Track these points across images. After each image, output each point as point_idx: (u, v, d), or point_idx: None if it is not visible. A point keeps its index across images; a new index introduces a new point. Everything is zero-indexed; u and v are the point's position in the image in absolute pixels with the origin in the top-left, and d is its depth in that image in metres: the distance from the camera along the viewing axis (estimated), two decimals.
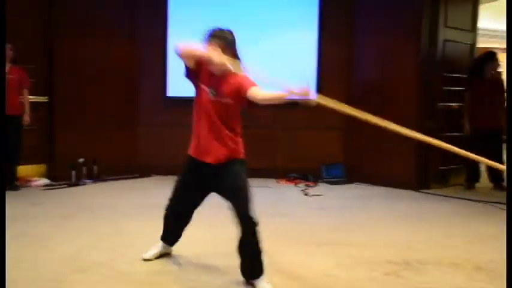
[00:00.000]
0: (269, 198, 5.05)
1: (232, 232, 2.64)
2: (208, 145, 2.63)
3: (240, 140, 2.79)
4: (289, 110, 6.24)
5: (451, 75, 5.63)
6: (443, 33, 5.51)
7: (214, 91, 2.61)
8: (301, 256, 3.16)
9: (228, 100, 2.62)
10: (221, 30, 2.69)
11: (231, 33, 2.73)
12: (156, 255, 2.97)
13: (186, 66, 2.62)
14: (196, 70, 2.60)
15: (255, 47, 6.17)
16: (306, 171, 6.06)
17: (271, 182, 5.94)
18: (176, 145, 6.18)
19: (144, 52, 6.25)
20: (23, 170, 5.35)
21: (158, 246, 3.00)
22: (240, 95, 2.59)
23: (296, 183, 5.85)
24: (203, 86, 2.62)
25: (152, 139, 6.26)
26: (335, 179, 6.01)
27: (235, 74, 2.61)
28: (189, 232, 3.01)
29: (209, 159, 2.63)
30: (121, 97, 6.15)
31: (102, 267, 2.88)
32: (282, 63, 6.18)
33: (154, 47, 6.21)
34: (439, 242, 3.49)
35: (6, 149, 5.07)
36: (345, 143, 6.22)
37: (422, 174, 5.57)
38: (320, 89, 6.18)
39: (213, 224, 3.73)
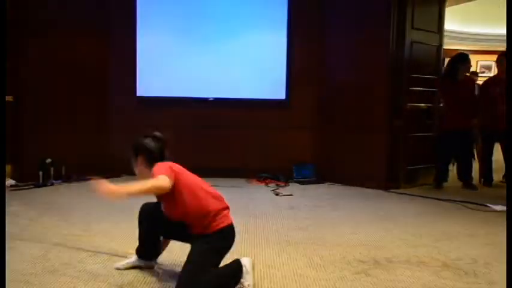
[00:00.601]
0: (240, 198, 5.03)
1: None
2: None
3: (199, 218, 2.48)
4: (260, 110, 6.27)
5: (418, 75, 5.71)
6: (411, 35, 5.59)
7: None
8: (271, 255, 3.16)
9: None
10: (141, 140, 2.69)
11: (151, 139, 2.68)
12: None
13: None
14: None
15: (224, 46, 6.17)
16: (276, 171, 6.07)
17: (242, 182, 5.94)
18: None
19: (114, 51, 6.16)
20: None
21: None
22: None
23: (267, 183, 5.86)
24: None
25: (122, 139, 6.14)
26: (306, 179, 6.04)
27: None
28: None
29: None
30: (90, 96, 6.04)
31: (71, 268, 2.82)
32: (252, 64, 6.20)
33: (124, 45, 6.13)
34: (408, 241, 3.54)
35: None
36: (315, 143, 6.25)
37: (391, 174, 5.63)
38: (290, 91, 6.24)
39: None
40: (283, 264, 2.99)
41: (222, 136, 6.22)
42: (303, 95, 6.22)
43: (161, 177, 2.34)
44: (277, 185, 5.79)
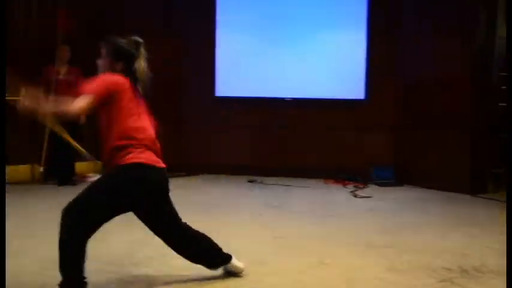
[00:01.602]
0: (317, 199, 5.00)
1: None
2: None
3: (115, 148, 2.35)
4: (338, 109, 6.18)
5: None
6: (502, 30, 5.24)
7: None
8: (351, 258, 3.09)
9: None
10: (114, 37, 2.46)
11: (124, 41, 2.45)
12: None
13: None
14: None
15: (301, 46, 6.14)
16: (354, 172, 5.96)
17: (319, 182, 5.88)
18: (223, 144, 6.29)
19: (192, 51, 6.32)
20: (79, 166, 5.54)
21: None
22: None
23: (344, 184, 5.75)
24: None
25: (200, 138, 6.31)
26: (385, 181, 5.87)
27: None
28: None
29: None
30: (169, 96, 6.23)
31: (155, 261, 2.91)
32: (329, 64, 6.13)
33: (203, 45, 6.27)
34: (498, 250, 3.30)
35: (64, 148, 5.25)
36: (395, 144, 6.08)
37: (478, 177, 5.35)
38: (369, 90, 6.10)
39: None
40: (363, 267, 2.91)
41: (298, 136, 6.21)
42: (381, 95, 6.08)
43: (80, 100, 2.20)
44: (355, 186, 5.67)
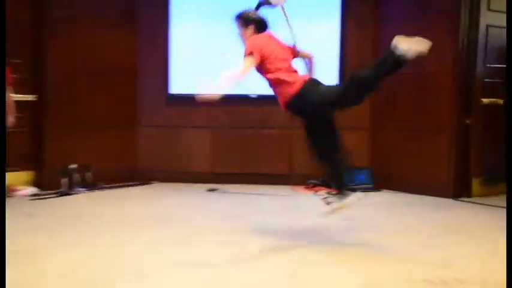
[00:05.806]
0: (286, 209, 5.07)
1: None
2: None
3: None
4: None
5: (495, 66, 5.54)
6: (486, 17, 5.42)
7: None
8: (325, 271, 3.15)
9: None
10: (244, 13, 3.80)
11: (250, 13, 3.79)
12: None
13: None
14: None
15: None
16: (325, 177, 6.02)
17: (287, 189, 5.97)
18: (180, 149, 6.27)
19: (145, 47, 6.38)
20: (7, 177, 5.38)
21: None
22: None
23: (316, 191, 5.82)
24: None
25: (153, 141, 6.30)
26: (361, 186, 5.93)
27: None
28: None
29: None
30: (119, 96, 6.21)
31: (97, 284, 2.88)
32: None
33: (156, 42, 6.33)
34: (483, 259, 3.42)
35: None
36: (370, 145, 6.24)
37: (461, 180, 5.53)
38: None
39: None
40: (338, 282, 2.98)
41: (265, 136, 6.27)
42: None
43: (245, 62, 3.55)
44: (328, 192, 5.72)
